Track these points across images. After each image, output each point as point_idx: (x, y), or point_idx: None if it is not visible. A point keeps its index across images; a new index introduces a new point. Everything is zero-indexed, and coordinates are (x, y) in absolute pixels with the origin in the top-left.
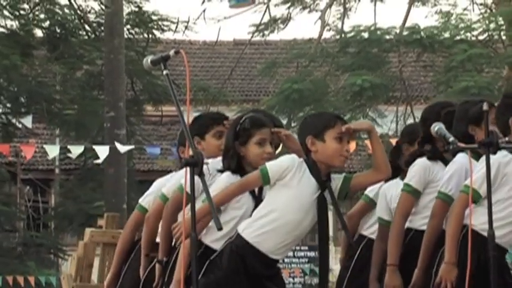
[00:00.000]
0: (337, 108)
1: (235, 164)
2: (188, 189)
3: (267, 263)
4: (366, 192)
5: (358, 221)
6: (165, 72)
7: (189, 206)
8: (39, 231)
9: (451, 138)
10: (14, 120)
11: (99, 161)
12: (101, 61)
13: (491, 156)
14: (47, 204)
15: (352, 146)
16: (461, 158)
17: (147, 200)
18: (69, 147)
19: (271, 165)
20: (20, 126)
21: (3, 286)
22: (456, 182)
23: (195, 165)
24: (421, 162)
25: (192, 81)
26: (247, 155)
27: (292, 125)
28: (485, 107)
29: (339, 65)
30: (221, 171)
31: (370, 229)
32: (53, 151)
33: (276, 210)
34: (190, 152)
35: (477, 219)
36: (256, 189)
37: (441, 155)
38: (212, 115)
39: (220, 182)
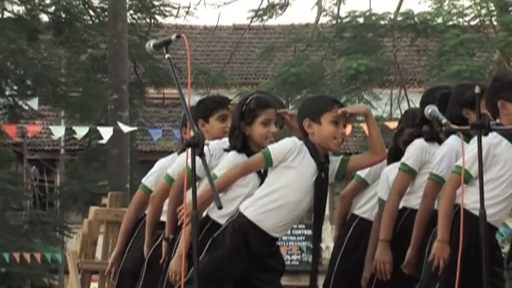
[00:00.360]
0: (333, 91)
1: (241, 143)
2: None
3: (268, 241)
4: (358, 172)
5: (351, 200)
6: (167, 56)
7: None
8: (45, 210)
9: (444, 120)
10: (20, 102)
11: (103, 142)
12: (105, 45)
13: (482, 138)
14: (52, 183)
15: (348, 128)
16: (453, 140)
17: (150, 179)
18: (74, 128)
19: (273, 148)
20: (26, 108)
21: (10, 262)
22: (447, 163)
23: (196, 146)
24: (419, 143)
25: (193, 64)
26: (253, 134)
27: (290, 107)
28: (477, 90)
29: (335, 49)
30: (227, 150)
31: (361, 208)
32: (58, 132)
33: (278, 191)
34: (192, 133)
35: (468, 199)
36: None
37: (438, 136)
38: (217, 98)
39: (226, 160)
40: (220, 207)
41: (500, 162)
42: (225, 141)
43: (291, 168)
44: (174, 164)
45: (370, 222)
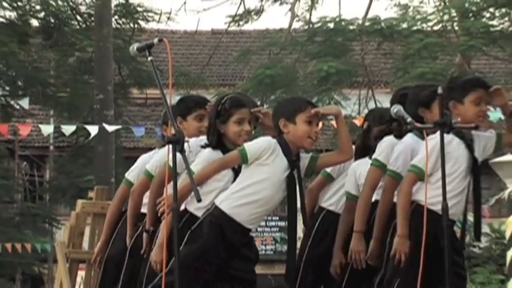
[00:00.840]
0: (305, 91)
1: (216, 140)
2: (170, 164)
3: (242, 232)
4: None
5: (318, 193)
6: (149, 58)
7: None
8: (35, 203)
9: (409, 119)
10: (12, 102)
11: (89, 139)
12: (91, 48)
13: (434, 137)
14: (42, 178)
15: (319, 126)
16: (408, 139)
17: (132, 174)
18: (62, 126)
19: (249, 146)
20: (17, 107)
21: (2, 253)
22: (403, 160)
23: (177, 143)
24: (389, 139)
25: (174, 67)
26: (227, 132)
27: (265, 106)
28: (439, 90)
29: (307, 52)
30: (204, 146)
31: (328, 201)
32: (47, 130)
33: (252, 186)
34: (173, 131)
35: (426, 195)
36: None
37: (405, 134)
38: (196, 98)
39: (202, 157)
40: (199, 200)
41: (452, 159)
42: (203, 139)
43: (265, 166)
44: (152, 160)
45: (336, 215)
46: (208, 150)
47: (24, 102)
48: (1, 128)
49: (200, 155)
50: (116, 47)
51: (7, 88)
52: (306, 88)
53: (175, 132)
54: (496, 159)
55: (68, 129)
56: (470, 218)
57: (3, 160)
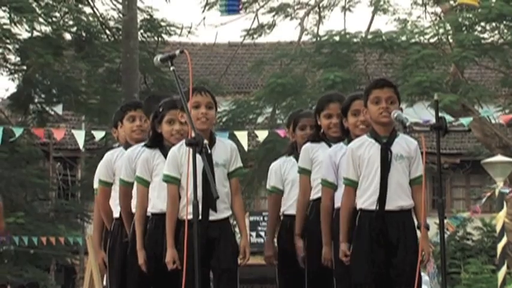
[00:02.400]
0: (313, 98)
1: (152, 139)
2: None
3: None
4: None
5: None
6: (171, 68)
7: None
8: (68, 200)
9: (408, 123)
10: (47, 109)
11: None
12: (119, 60)
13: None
14: (74, 177)
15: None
16: (333, 148)
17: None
18: (92, 132)
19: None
20: (52, 113)
21: (38, 245)
22: (326, 169)
23: (196, 145)
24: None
25: (194, 76)
26: (162, 132)
27: (277, 112)
28: (436, 97)
29: (315, 63)
30: (144, 146)
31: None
32: (79, 135)
33: None
34: (193, 134)
35: (360, 200)
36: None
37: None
38: (128, 102)
39: (141, 158)
40: (217, 197)
41: (365, 161)
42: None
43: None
44: (122, 169)
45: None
46: (146, 151)
47: (58, 109)
48: (37, 132)
49: (140, 157)
50: (141, 58)
51: (43, 96)
52: (314, 95)
53: (195, 135)
54: (487, 160)
55: (98, 134)
56: (464, 214)
57: (39, 161)
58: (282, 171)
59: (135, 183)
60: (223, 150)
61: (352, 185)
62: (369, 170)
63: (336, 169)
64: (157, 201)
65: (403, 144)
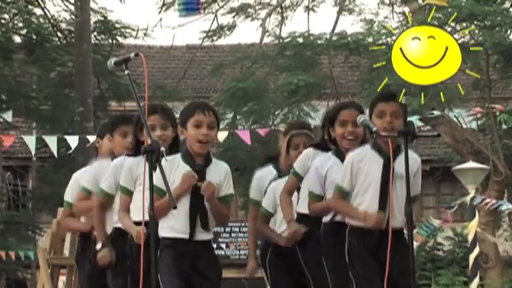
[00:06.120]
0: (276, 103)
1: (135, 148)
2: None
3: None
4: None
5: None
6: (126, 72)
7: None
8: (18, 211)
9: (374, 128)
10: None
11: (70, 151)
12: (72, 63)
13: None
14: (25, 187)
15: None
16: (318, 161)
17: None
18: (44, 137)
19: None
20: (1, 120)
21: None
22: (311, 181)
23: (153, 153)
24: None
25: (150, 80)
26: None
27: (238, 117)
28: (403, 101)
29: (278, 66)
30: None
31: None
32: (30, 141)
33: None
34: (149, 141)
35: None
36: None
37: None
38: (122, 115)
39: (124, 167)
40: (175, 207)
41: (363, 173)
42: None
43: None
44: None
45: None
46: (129, 159)
47: (8, 115)
48: None
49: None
50: (95, 62)
51: None
52: (277, 100)
53: (151, 143)
54: (458, 167)
55: (51, 139)
56: (434, 223)
57: None
58: (263, 184)
59: (119, 193)
60: (217, 173)
61: (344, 195)
62: (366, 184)
63: (323, 181)
64: (138, 212)
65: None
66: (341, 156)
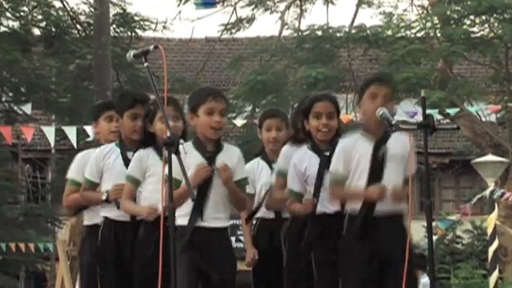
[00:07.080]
0: (295, 96)
1: (145, 139)
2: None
3: None
4: None
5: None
6: (145, 64)
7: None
8: (38, 203)
9: (394, 121)
10: (15, 108)
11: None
12: (91, 56)
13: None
14: (44, 179)
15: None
16: (296, 157)
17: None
18: (63, 127)
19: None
20: (20, 112)
21: (7, 251)
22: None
23: (172, 145)
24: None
25: (169, 73)
26: (155, 130)
27: (257, 110)
28: (423, 93)
29: (297, 59)
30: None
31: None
32: (49, 133)
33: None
34: (168, 133)
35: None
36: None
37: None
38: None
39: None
40: (193, 199)
41: (355, 158)
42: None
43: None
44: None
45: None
46: (140, 150)
47: (27, 108)
48: (5, 132)
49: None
50: (114, 55)
51: (10, 94)
52: (295, 93)
53: (170, 135)
54: (478, 160)
55: (70, 130)
56: (453, 217)
57: (7, 163)
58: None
59: (126, 182)
60: (229, 157)
61: (340, 180)
62: (360, 169)
63: (303, 177)
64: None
65: (399, 140)
66: (316, 150)
